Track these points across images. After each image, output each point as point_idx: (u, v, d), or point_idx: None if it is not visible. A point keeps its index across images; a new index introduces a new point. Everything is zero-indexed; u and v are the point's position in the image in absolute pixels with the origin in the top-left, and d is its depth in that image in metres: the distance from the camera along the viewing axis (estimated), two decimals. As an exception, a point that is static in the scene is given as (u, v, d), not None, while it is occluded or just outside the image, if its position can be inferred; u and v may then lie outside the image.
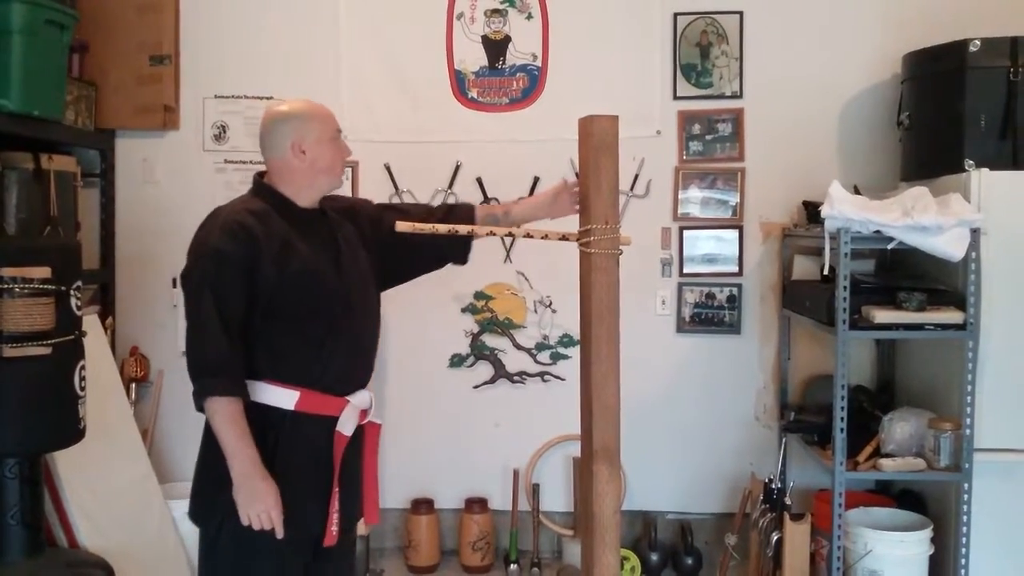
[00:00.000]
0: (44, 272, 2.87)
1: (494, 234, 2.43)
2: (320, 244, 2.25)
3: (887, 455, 3.34)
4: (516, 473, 4.14)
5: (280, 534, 2.08)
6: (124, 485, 3.62)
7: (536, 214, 2.52)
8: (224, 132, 4.22)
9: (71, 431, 3.01)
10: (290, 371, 2.16)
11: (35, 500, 3.00)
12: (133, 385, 4.11)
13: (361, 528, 3.89)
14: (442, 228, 2.32)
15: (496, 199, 4.06)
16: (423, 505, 4.13)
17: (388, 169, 4.15)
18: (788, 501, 3.52)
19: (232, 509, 2.08)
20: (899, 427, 3.37)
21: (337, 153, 2.28)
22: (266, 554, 2.12)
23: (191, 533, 3.77)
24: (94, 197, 4.16)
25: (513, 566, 4.02)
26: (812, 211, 3.75)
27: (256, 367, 2.13)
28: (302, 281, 2.16)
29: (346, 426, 2.23)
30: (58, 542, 3.31)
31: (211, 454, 2.13)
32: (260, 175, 2.31)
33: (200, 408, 2.08)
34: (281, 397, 2.15)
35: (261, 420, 2.12)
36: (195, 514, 2.23)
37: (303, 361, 2.17)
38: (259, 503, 2.06)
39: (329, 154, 2.25)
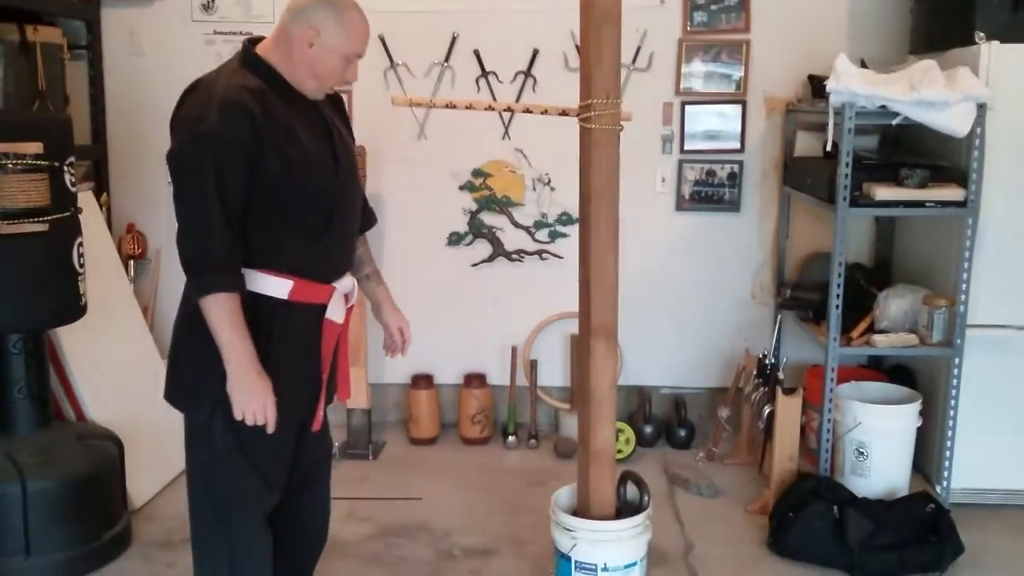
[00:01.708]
0: (36, 147, 2.82)
1: (492, 109, 2.39)
2: (316, 129, 2.14)
3: (881, 331, 3.38)
4: (514, 350, 4.20)
5: (271, 429, 2.06)
6: (128, 361, 3.68)
7: (372, 301, 2.53)
8: (212, 2, 4.08)
9: (72, 307, 3.02)
10: (285, 260, 2.09)
11: (40, 374, 3.05)
12: (131, 263, 4.12)
13: (363, 403, 4.00)
14: (440, 102, 2.27)
15: (494, 72, 3.97)
16: (423, 380, 4.20)
17: (382, 40, 4.02)
18: (781, 376, 3.59)
19: (226, 397, 2.03)
20: (894, 304, 3.40)
21: (337, 72, 2.12)
22: (262, 439, 2.09)
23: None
24: (82, 70, 4.06)
25: (511, 438, 4.14)
26: (817, 85, 3.67)
27: (249, 256, 2.05)
28: (304, 171, 2.06)
29: (336, 314, 2.20)
30: (66, 416, 3.39)
31: (198, 339, 2.05)
32: (250, 42, 2.14)
33: (197, 301, 2.00)
34: (274, 286, 2.08)
35: (253, 309, 2.06)
36: (181, 399, 2.17)
37: (299, 251, 2.11)
38: (256, 399, 2.02)
39: (330, 67, 2.10)
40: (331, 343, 2.22)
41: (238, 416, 2.03)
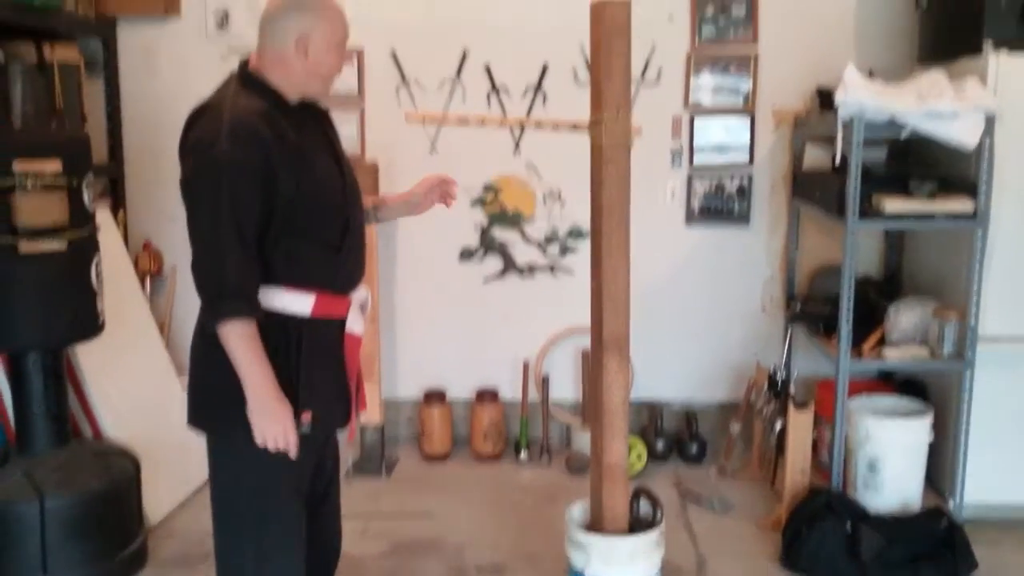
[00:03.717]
0: (55, 166, 2.85)
1: (504, 124, 2.41)
2: (320, 145, 2.14)
3: (891, 344, 3.37)
4: (526, 365, 4.21)
5: (294, 455, 2.04)
6: (145, 377, 3.71)
7: (402, 211, 2.48)
8: (226, 19, 4.12)
9: (90, 325, 3.05)
10: (306, 275, 2.08)
11: (59, 392, 3.07)
12: (148, 279, 4.15)
13: (376, 419, 4.01)
14: (452, 117, 2.29)
15: (505, 87, 3.99)
16: (435, 396, 4.21)
17: (394, 56, 4.06)
18: (792, 390, 3.58)
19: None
20: (904, 316, 3.40)
21: (337, 65, 2.14)
22: (289, 463, 2.08)
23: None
24: (98, 89, 4.11)
25: (523, 453, 4.14)
26: (826, 98, 3.68)
27: (272, 273, 2.04)
28: (317, 188, 2.06)
29: (356, 326, 2.20)
30: (83, 433, 3.41)
31: (217, 360, 2.01)
32: (245, 63, 2.12)
33: (214, 328, 1.98)
34: (298, 303, 2.07)
35: (277, 327, 2.05)
36: (208, 421, 2.15)
37: (320, 265, 2.10)
38: (277, 424, 2.01)
39: (331, 61, 2.11)
40: (355, 356, 2.21)
41: (260, 442, 2.02)
